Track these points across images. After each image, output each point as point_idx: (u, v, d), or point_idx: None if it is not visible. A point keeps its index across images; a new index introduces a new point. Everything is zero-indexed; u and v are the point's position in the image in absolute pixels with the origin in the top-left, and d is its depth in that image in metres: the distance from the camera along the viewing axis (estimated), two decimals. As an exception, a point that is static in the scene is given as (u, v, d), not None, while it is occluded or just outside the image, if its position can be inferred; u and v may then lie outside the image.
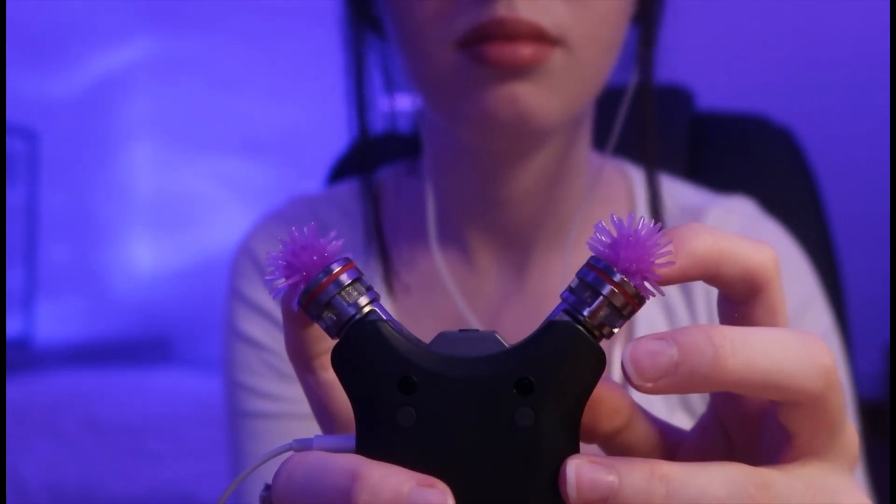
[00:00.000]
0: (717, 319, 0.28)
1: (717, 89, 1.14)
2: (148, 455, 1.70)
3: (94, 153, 2.69)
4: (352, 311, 0.25)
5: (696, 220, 0.56)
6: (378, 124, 0.57)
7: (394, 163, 0.62)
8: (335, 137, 0.62)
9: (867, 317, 1.29)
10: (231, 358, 0.57)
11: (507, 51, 0.43)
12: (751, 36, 2.15)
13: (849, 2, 2.08)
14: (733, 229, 0.55)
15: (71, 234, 2.63)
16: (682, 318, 0.53)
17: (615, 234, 0.24)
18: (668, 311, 0.54)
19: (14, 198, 2.39)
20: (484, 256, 0.55)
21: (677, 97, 0.78)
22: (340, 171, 0.80)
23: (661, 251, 0.24)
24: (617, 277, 0.24)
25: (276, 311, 0.57)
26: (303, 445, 0.26)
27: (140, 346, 2.64)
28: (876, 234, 1.96)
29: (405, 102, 0.59)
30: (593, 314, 0.24)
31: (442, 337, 0.25)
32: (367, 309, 0.25)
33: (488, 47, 0.43)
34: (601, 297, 0.24)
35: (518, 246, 0.54)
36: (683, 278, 0.25)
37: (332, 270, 0.25)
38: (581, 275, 0.25)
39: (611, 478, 0.22)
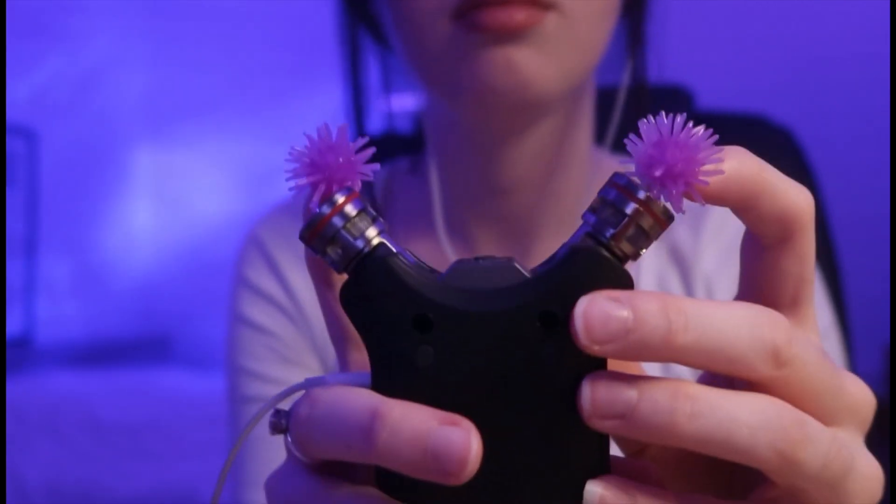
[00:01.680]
0: None
1: (717, 89, 1.14)
2: (148, 455, 1.70)
3: (92, 152, 2.69)
4: (360, 244, 0.23)
5: (697, 219, 0.56)
6: (375, 121, 0.58)
7: (395, 160, 0.62)
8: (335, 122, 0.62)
9: (867, 317, 1.29)
10: (235, 343, 0.58)
11: (500, 15, 0.44)
12: (751, 36, 2.15)
13: (849, 2, 2.08)
14: (732, 228, 0.55)
15: (71, 233, 2.63)
16: None
17: (662, 133, 0.22)
18: None
19: (14, 198, 2.39)
20: (487, 247, 0.55)
21: (677, 97, 0.78)
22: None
23: (711, 157, 0.22)
24: (641, 194, 0.22)
25: (282, 297, 0.57)
26: (316, 384, 0.24)
27: (140, 346, 2.64)
28: (876, 234, 1.95)
29: (404, 103, 0.59)
30: (617, 236, 0.22)
31: (456, 268, 0.23)
32: (375, 241, 0.24)
33: (482, 13, 0.44)
34: (626, 218, 0.22)
35: (521, 237, 0.55)
36: (721, 198, 0.23)
37: (337, 201, 0.23)
38: (603, 193, 0.23)
39: (630, 392, 0.21)
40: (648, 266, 0.55)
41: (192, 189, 2.80)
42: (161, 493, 1.63)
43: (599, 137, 0.58)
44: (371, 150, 0.24)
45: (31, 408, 1.78)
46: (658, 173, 0.22)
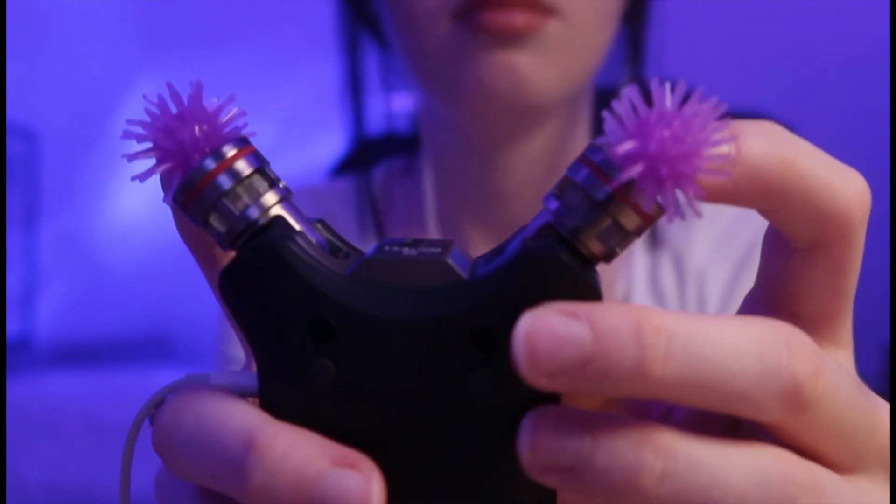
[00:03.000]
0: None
1: (717, 89, 1.14)
2: (148, 455, 1.70)
3: (92, 152, 2.69)
4: (252, 214, 0.18)
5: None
6: (375, 121, 0.58)
7: (392, 160, 0.62)
8: (336, 125, 0.62)
9: (867, 317, 1.29)
10: (226, 334, 0.58)
11: (501, 18, 0.44)
12: (751, 36, 2.15)
13: (849, 2, 2.07)
14: (726, 216, 0.55)
15: (70, 233, 2.63)
16: (673, 308, 0.53)
17: (650, 109, 0.16)
18: (659, 297, 0.53)
19: (14, 198, 2.39)
20: (481, 252, 0.55)
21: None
22: (340, 170, 0.81)
23: (713, 151, 0.16)
24: (622, 177, 0.16)
25: None
26: (198, 382, 0.19)
27: (140, 346, 2.64)
28: (876, 234, 1.95)
29: (402, 103, 0.59)
30: (585, 232, 0.17)
31: (374, 257, 0.18)
32: (273, 212, 0.18)
33: (483, 15, 0.44)
34: (598, 207, 0.17)
35: None
36: (730, 199, 0.17)
37: (225, 155, 0.17)
38: (571, 172, 0.17)
39: (582, 440, 0.16)
40: (638, 261, 0.54)
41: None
42: (161, 493, 1.63)
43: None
44: (237, 111, 0.18)
45: (31, 408, 1.78)
46: (637, 171, 0.16)
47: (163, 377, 2.13)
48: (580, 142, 0.54)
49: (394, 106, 0.60)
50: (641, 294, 0.53)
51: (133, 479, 1.70)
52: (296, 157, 2.59)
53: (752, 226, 0.53)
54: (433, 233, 0.55)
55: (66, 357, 2.39)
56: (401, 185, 0.59)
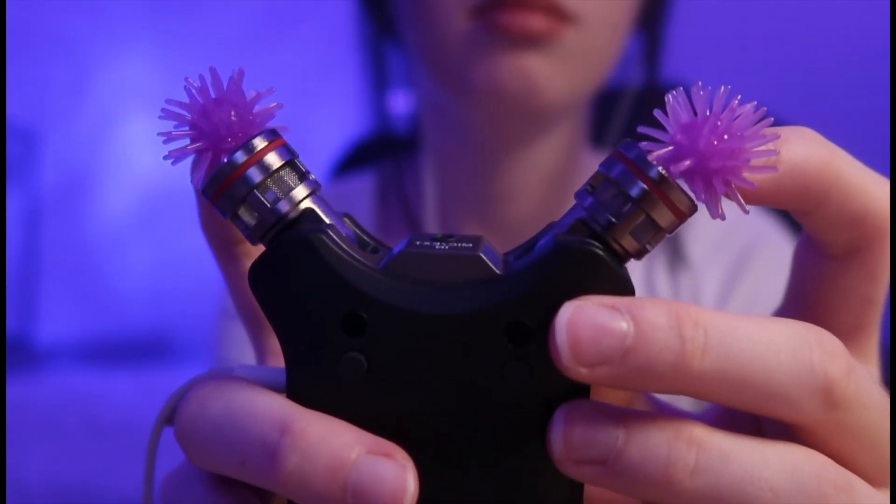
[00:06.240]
0: None
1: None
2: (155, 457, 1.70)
3: (93, 151, 2.69)
4: (282, 208, 0.18)
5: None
6: (371, 121, 0.58)
7: (390, 161, 0.62)
8: (339, 121, 0.62)
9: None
10: (224, 337, 0.58)
11: (518, 19, 0.43)
12: (751, 36, 2.15)
13: (849, 2, 2.07)
14: (723, 222, 0.54)
15: (71, 233, 2.62)
16: None
17: (696, 113, 0.17)
18: (650, 293, 0.53)
19: (14, 197, 2.39)
20: None
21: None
22: (338, 172, 0.80)
23: (759, 148, 0.17)
24: (654, 173, 0.17)
25: None
26: (221, 375, 0.19)
27: (141, 346, 2.63)
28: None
29: (400, 103, 0.59)
30: (619, 229, 0.17)
31: (406, 252, 0.18)
32: (303, 206, 0.18)
33: (500, 15, 0.44)
34: (631, 204, 0.17)
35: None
36: (773, 201, 0.18)
37: (255, 148, 0.18)
38: (604, 168, 0.17)
39: (615, 433, 0.16)
40: (632, 263, 0.53)
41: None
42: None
43: (599, 139, 0.58)
44: (274, 104, 0.18)
45: (31, 408, 1.78)
46: (685, 166, 0.16)
47: (162, 377, 2.13)
48: (582, 147, 0.54)
49: (391, 106, 0.60)
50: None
51: (133, 478, 1.69)
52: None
53: (747, 230, 0.53)
54: (431, 232, 0.54)
55: (67, 357, 2.39)
56: (397, 185, 0.59)
